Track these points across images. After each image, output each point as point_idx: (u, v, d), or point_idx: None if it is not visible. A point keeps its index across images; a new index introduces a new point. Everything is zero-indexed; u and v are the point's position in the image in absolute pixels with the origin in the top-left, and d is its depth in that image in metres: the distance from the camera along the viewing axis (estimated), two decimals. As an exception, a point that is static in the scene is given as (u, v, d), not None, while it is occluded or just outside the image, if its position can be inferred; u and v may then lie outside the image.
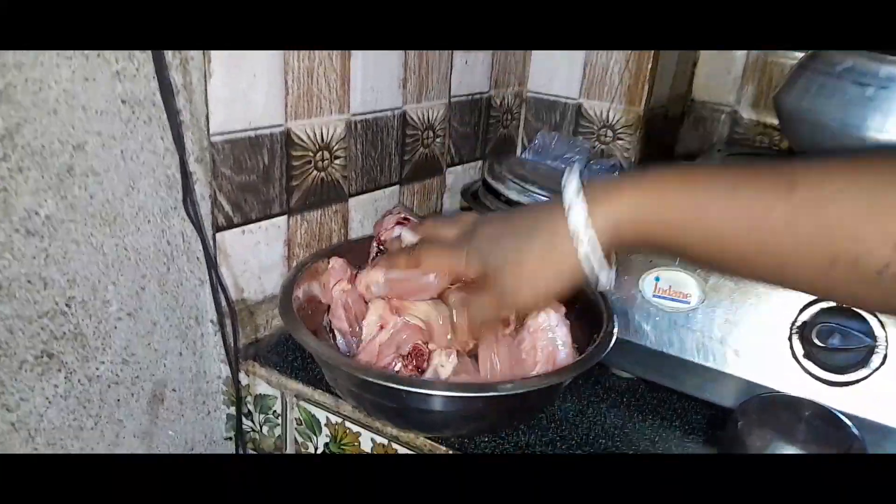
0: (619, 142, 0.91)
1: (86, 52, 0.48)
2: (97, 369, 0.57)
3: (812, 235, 0.37)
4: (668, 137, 1.00)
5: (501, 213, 0.54)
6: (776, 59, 0.95)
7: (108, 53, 0.50)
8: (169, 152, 0.56)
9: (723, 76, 0.99)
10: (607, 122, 0.92)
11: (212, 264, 0.61)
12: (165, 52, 0.53)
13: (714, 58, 0.99)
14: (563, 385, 0.56)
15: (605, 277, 0.45)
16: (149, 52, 0.51)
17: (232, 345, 0.64)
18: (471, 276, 0.51)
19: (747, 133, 0.99)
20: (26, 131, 0.47)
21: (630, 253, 0.63)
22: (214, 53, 0.56)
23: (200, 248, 0.60)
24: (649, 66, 0.85)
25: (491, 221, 0.51)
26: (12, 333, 0.50)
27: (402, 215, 0.66)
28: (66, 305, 0.53)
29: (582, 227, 0.43)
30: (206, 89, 0.57)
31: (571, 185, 0.44)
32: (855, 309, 0.55)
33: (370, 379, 0.50)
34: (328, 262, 0.65)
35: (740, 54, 0.97)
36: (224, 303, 0.64)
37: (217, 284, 0.61)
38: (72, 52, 0.48)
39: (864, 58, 0.62)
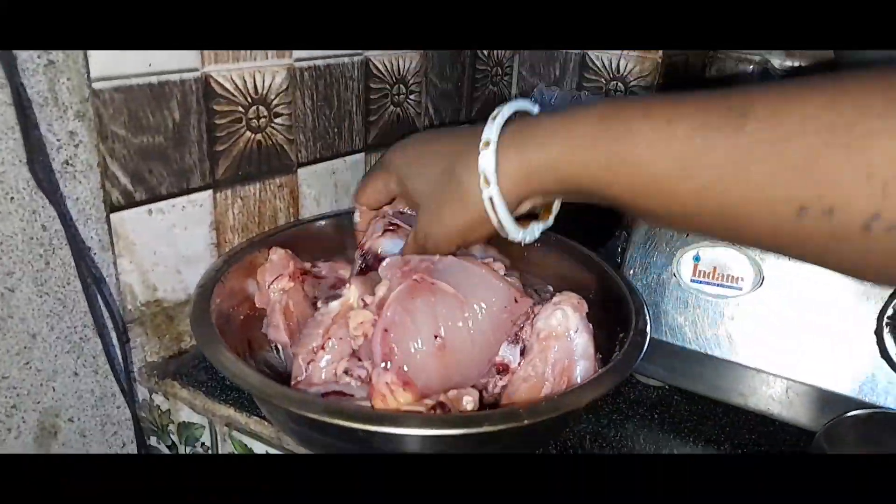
0: (632, 94, 0.76)
1: None
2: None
3: (769, 178, 0.29)
4: (687, 85, 0.85)
5: (428, 132, 0.51)
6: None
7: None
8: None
9: (750, 18, 0.83)
10: (617, 72, 0.76)
11: (109, 255, 0.46)
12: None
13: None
14: (579, 413, 0.42)
15: (512, 229, 0.41)
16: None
17: (122, 363, 0.49)
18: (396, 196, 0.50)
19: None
20: None
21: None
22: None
23: (90, 233, 0.45)
24: None
25: (416, 139, 0.48)
26: None
27: (394, 221, 0.50)
28: None
29: (491, 169, 0.38)
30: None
31: (497, 119, 0.39)
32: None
33: (315, 417, 0.35)
34: (267, 254, 0.50)
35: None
36: (129, 306, 0.49)
37: (115, 282, 0.46)
38: None
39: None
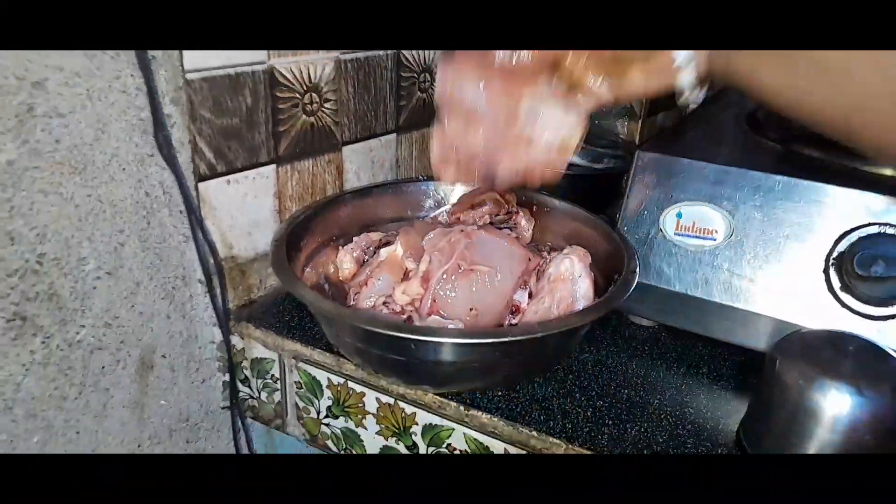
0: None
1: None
2: (77, 333, 0.52)
3: None
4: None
5: None
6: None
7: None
8: (141, 92, 0.51)
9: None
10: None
11: (195, 218, 0.56)
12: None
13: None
14: (581, 331, 0.52)
15: (692, 92, 0.43)
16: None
17: (221, 306, 0.59)
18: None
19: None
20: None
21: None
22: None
23: (177, 196, 0.56)
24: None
25: None
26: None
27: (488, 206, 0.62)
28: (38, 263, 0.48)
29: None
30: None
31: None
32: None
33: (374, 329, 0.46)
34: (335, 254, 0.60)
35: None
36: (211, 261, 0.59)
37: (202, 240, 0.57)
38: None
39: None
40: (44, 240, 0.48)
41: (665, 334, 0.63)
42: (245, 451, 0.68)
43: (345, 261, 0.59)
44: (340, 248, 0.60)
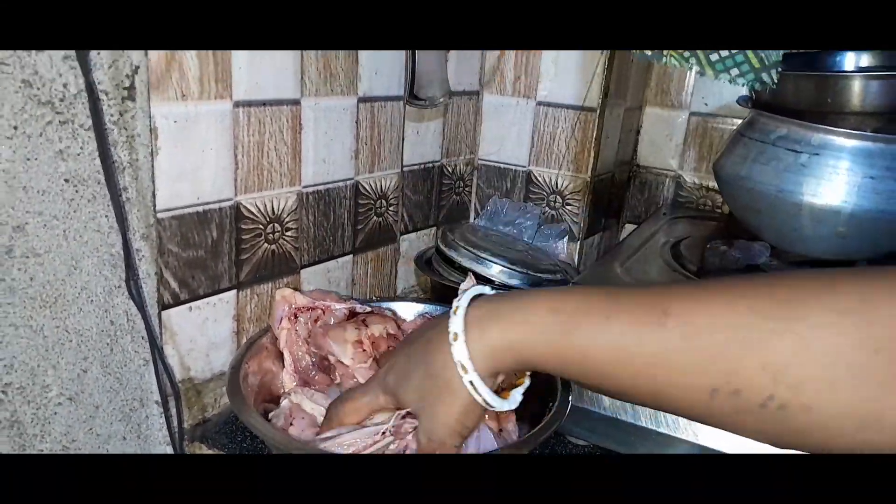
0: (568, 207, 0.93)
1: (27, 131, 0.48)
2: (32, 459, 0.54)
3: (687, 367, 0.36)
4: (615, 201, 1.03)
5: (402, 344, 0.54)
6: (715, 125, 0.99)
7: (50, 132, 0.49)
8: (113, 231, 0.55)
9: (665, 142, 1.03)
10: (556, 188, 0.94)
11: (154, 344, 0.59)
12: (111, 128, 0.52)
13: (656, 125, 1.03)
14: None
15: (497, 402, 0.45)
16: (92, 131, 0.51)
17: (176, 426, 0.62)
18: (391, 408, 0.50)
19: (690, 196, 1.02)
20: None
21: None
22: (161, 129, 0.56)
23: (144, 327, 0.59)
24: (594, 134, 0.88)
25: (397, 355, 0.51)
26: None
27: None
28: (3, 392, 0.51)
29: (465, 358, 0.43)
30: (152, 166, 0.56)
31: (458, 311, 0.45)
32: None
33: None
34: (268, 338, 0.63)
35: (681, 120, 1.01)
36: (168, 383, 0.62)
37: (160, 364, 0.60)
38: (12, 131, 0.47)
39: (797, 126, 0.65)
40: (11, 370, 0.51)
41: (599, 452, 0.67)
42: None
43: (286, 379, 0.62)
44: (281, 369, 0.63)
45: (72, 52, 0.49)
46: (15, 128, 0.47)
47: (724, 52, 0.55)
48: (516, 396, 0.48)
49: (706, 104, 0.99)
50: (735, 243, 0.70)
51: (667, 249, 0.79)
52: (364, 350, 0.61)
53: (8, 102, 0.47)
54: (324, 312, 0.63)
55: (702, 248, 0.73)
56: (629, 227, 1.07)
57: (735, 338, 0.35)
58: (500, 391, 0.47)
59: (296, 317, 0.62)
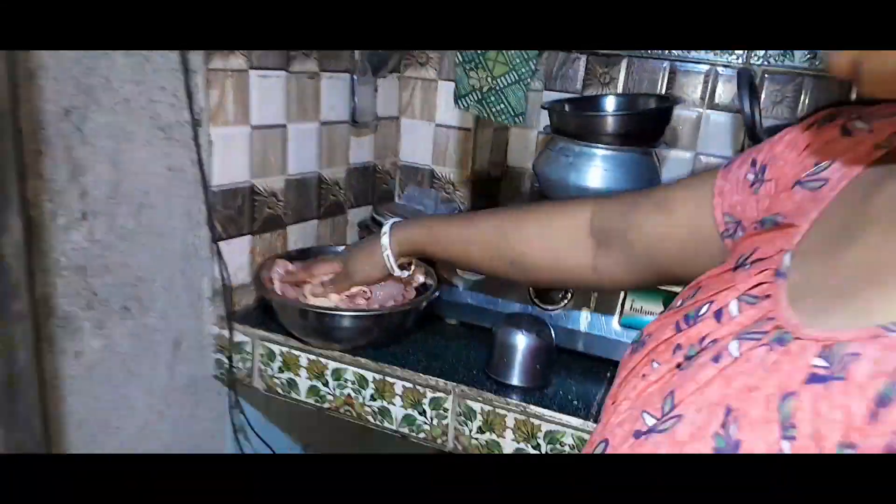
0: (458, 193, 1.43)
1: (152, 143, 0.94)
2: (148, 322, 1.00)
3: (491, 248, 0.85)
4: (492, 190, 1.53)
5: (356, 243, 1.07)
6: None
7: (163, 144, 0.96)
8: (193, 197, 1.01)
9: (525, 149, 1.53)
10: (449, 180, 1.43)
11: (218, 256, 1.06)
12: (191, 142, 0.99)
13: (518, 136, 1.53)
14: (409, 315, 1.05)
15: (396, 271, 0.95)
16: (181, 142, 0.97)
17: (226, 311, 1.09)
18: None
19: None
20: (123, 186, 0.92)
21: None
22: (214, 142, 1.02)
23: (207, 252, 1.05)
24: (471, 145, 1.38)
25: (352, 247, 1.04)
26: (108, 295, 0.93)
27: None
28: (134, 284, 0.97)
29: (386, 242, 0.92)
30: (210, 161, 1.03)
31: (387, 223, 0.94)
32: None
33: (304, 308, 0.97)
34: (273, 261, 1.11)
35: (534, 134, 1.51)
36: (221, 282, 1.08)
37: (221, 273, 1.06)
38: (146, 143, 0.93)
39: (569, 142, 1.16)
40: (140, 270, 0.97)
41: (461, 327, 1.16)
42: (228, 404, 1.15)
43: (276, 275, 1.09)
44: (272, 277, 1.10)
45: (182, 98, 0.96)
46: (147, 141, 0.94)
47: (501, 106, 1.03)
48: (405, 272, 0.98)
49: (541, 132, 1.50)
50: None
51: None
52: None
53: (144, 129, 0.93)
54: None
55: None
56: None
57: (503, 230, 0.85)
58: (401, 268, 0.97)
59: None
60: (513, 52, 0.92)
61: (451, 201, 1.44)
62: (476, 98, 0.96)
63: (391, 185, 1.50)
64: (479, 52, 0.93)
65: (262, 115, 1.10)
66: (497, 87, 0.94)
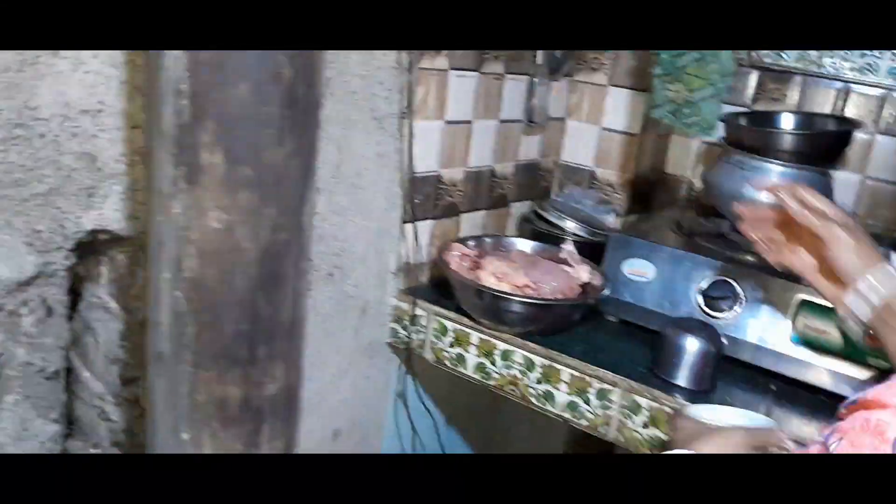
0: (616, 196, 1.48)
1: (368, 130, 1.06)
2: (345, 288, 1.12)
3: None
4: (647, 195, 1.57)
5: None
6: (715, 150, 1.52)
7: (376, 132, 1.07)
8: (391, 182, 1.13)
9: (684, 157, 1.56)
10: (609, 182, 1.49)
11: (403, 239, 1.17)
12: (397, 132, 1.10)
13: (678, 144, 1.56)
14: (576, 310, 1.12)
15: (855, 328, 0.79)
16: (388, 131, 1.09)
17: (407, 286, 1.20)
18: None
19: (697, 195, 1.55)
20: (343, 168, 1.04)
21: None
22: (416, 133, 1.13)
23: (397, 231, 1.17)
24: (634, 150, 1.43)
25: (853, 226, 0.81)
26: (319, 261, 1.05)
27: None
28: (338, 254, 1.09)
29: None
30: (411, 150, 1.14)
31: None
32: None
33: (480, 288, 1.06)
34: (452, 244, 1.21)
35: (695, 143, 1.54)
36: (405, 260, 1.20)
37: (406, 251, 1.18)
38: (365, 131, 1.05)
39: (746, 156, 1.19)
40: (345, 242, 1.09)
41: (622, 325, 1.22)
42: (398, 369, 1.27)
43: (453, 258, 1.18)
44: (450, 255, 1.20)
45: (395, 93, 1.07)
46: (365, 130, 1.05)
47: (695, 118, 1.08)
48: None
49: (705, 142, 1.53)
50: (709, 219, 1.25)
51: (673, 223, 1.33)
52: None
53: (364, 119, 1.05)
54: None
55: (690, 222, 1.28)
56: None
57: None
58: None
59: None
60: (711, 66, 0.96)
61: (609, 202, 1.49)
62: (671, 109, 1.02)
63: (551, 183, 1.57)
64: (677, 66, 0.99)
65: (455, 111, 1.20)
66: (693, 101, 1.00)
